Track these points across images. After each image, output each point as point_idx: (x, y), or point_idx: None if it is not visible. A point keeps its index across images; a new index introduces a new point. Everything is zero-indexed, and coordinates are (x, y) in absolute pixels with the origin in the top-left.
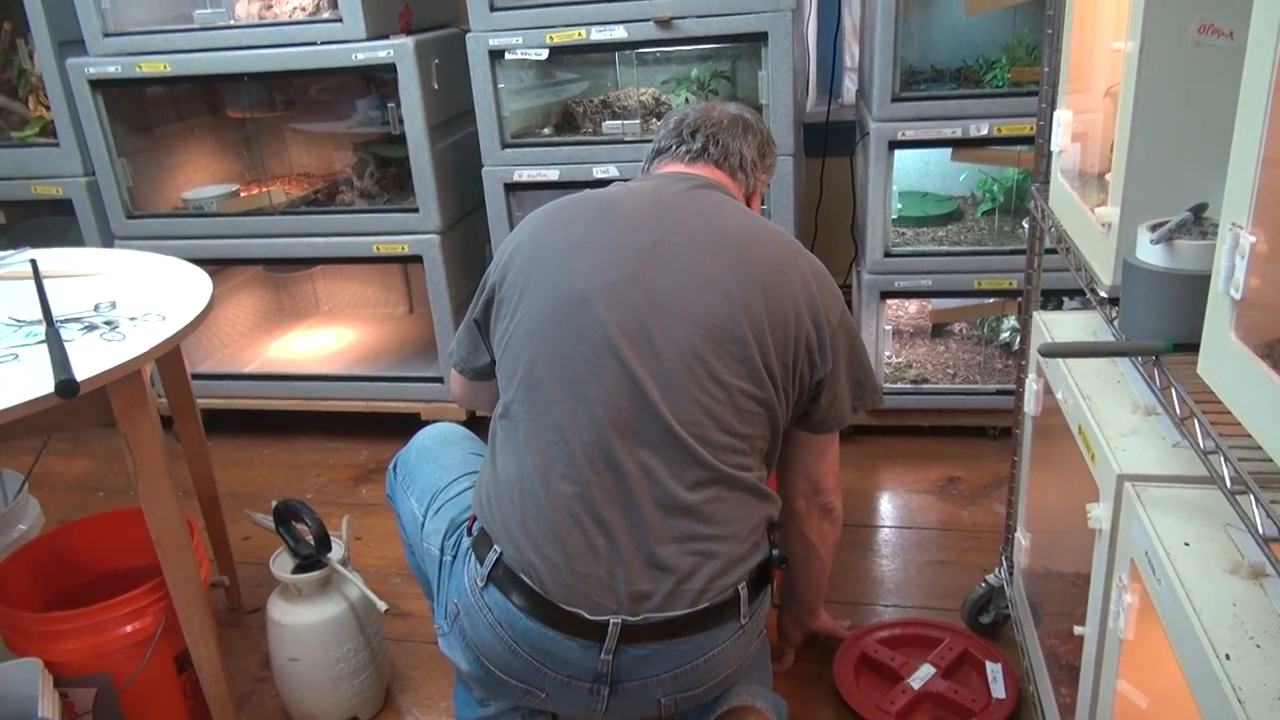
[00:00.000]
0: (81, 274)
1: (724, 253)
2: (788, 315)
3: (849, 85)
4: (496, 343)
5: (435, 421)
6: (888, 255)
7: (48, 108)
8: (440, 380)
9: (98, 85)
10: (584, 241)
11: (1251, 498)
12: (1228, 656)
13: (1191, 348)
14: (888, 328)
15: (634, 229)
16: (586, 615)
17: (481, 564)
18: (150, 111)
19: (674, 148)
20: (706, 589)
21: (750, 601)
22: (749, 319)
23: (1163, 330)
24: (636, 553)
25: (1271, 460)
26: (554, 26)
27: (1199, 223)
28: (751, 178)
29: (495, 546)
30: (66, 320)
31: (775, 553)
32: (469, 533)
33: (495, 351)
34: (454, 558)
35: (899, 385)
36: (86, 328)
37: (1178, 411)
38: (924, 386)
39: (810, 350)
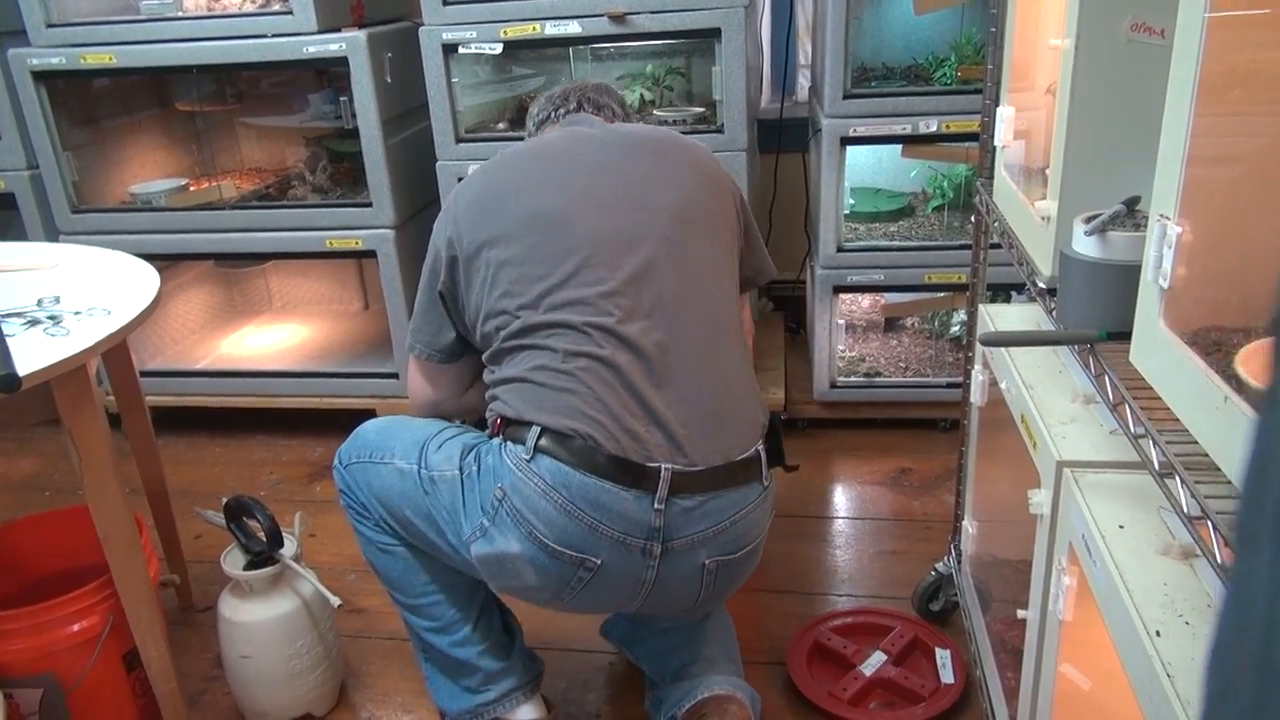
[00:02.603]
0: (25, 269)
1: (647, 151)
2: (718, 182)
3: (802, 82)
4: (475, 298)
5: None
6: (840, 250)
7: None
8: (395, 376)
9: (41, 77)
10: (529, 182)
11: (1178, 480)
12: (1158, 633)
13: (1125, 336)
14: (841, 322)
15: (568, 158)
16: (639, 462)
17: (523, 443)
18: (96, 104)
19: (553, 113)
20: (735, 444)
21: (768, 466)
22: (699, 193)
23: (1098, 319)
24: (669, 411)
25: (1198, 443)
26: (508, 21)
27: (1132, 215)
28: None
29: (535, 425)
30: (9, 315)
31: (782, 416)
32: (497, 432)
33: (474, 307)
34: (478, 467)
35: (852, 379)
36: (29, 322)
37: (1111, 398)
38: (877, 380)
39: (737, 209)
